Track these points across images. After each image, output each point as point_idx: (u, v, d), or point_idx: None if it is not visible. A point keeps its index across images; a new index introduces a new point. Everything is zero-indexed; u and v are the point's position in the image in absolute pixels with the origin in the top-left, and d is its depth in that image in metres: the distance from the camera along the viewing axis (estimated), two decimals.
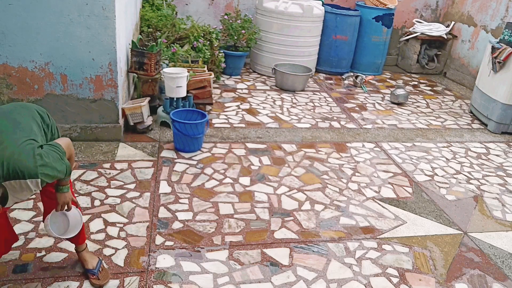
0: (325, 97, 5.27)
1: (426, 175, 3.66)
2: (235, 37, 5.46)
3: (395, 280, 2.46)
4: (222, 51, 5.18)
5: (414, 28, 6.61)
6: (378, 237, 2.81)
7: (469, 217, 3.15)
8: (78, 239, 2.22)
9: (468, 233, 2.96)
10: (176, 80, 3.79)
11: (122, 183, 3.07)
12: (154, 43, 3.91)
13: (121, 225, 2.65)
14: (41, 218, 2.58)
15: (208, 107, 4.50)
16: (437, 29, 6.51)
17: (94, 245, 2.45)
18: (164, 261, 2.40)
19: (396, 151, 4.05)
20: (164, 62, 4.30)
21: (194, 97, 4.21)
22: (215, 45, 4.95)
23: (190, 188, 3.11)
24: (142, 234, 2.59)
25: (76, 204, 2.14)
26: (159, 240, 2.56)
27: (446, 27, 6.62)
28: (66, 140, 1.94)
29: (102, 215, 2.72)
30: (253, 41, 5.52)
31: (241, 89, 5.21)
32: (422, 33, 6.50)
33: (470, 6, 6.33)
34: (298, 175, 3.43)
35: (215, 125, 4.16)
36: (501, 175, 3.82)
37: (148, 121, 3.85)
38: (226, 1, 6.03)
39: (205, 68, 4.50)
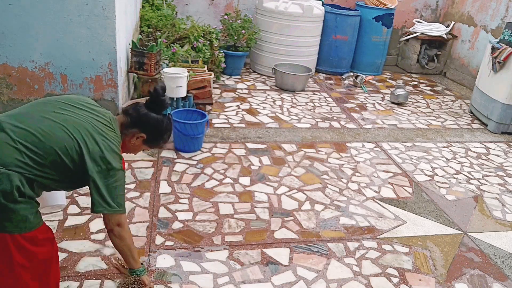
0: (325, 97, 5.27)
1: (426, 175, 3.66)
2: (235, 37, 5.45)
3: (395, 280, 2.46)
4: (222, 51, 5.18)
5: (414, 28, 6.61)
6: (378, 237, 2.81)
7: (469, 217, 3.15)
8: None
9: (468, 233, 2.96)
10: (176, 80, 3.79)
11: None
12: (154, 43, 3.91)
13: None
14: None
15: (208, 107, 4.50)
16: (437, 29, 6.51)
17: (94, 245, 2.45)
18: (164, 261, 2.40)
19: (396, 151, 4.05)
20: (164, 62, 4.30)
21: (194, 97, 4.21)
22: (215, 45, 4.94)
23: (190, 188, 3.11)
24: (142, 234, 2.59)
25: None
26: (159, 240, 2.56)
27: (446, 27, 6.62)
28: None
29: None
30: (253, 41, 5.52)
31: (241, 89, 5.21)
32: (422, 33, 6.50)
33: (470, 6, 6.33)
34: (298, 175, 3.43)
35: (215, 125, 4.16)
36: (501, 175, 3.82)
37: None
38: (226, 1, 6.03)
39: (205, 68, 4.50)
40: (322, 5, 5.88)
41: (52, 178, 1.63)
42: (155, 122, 1.88)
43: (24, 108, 1.71)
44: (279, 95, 5.15)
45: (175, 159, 3.48)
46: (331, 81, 5.93)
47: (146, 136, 1.89)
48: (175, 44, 4.64)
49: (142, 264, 2.03)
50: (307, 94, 5.29)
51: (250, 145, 3.83)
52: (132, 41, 3.88)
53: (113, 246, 1.88)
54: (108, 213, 1.76)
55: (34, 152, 1.55)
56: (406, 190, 3.39)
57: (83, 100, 1.82)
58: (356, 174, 3.55)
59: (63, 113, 1.68)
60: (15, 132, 1.56)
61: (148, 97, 1.92)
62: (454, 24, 6.59)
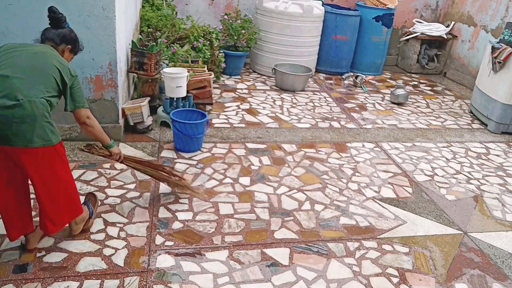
0: (325, 97, 5.27)
1: (426, 175, 3.66)
2: (235, 37, 5.46)
3: (395, 280, 2.46)
4: (222, 51, 5.18)
5: (414, 28, 6.61)
6: (378, 237, 2.81)
7: (469, 217, 3.15)
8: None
9: (468, 233, 2.96)
10: (176, 80, 3.79)
11: (122, 183, 3.07)
12: (154, 43, 3.91)
13: (121, 225, 2.65)
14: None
15: (208, 107, 4.50)
16: (437, 29, 6.51)
17: (94, 245, 2.45)
18: (164, 261, 2.40)
19: (396, 151, 4.05)
20: (164, 62, 4.30)
21: (194, 97, 4.21)
22: (215, 45, 4.95)
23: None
24: (142, 234, 2.59)
25: None
26: (159, 240, 2.56)
27: (446, 27, 6.62)
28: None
29: (102, 215, 2.72)
30: (253, 41, 5.52)
31: (241, 89, 5.21)
32: (422, 33, 6.50)
33: (470, 6, 6.33)
34: (298, 175, 3.43)
35: (215, 125, 4.16)
36: (501, 175, 3.82)
37: (148, 121, 3.85)
38: (226, 1, 6.03)
39: (205, 68, 4.50)
40: (322, 5, 5.88)
41: (55, 95, 2.13)
42: (69, 33, 2.38)
43: (6, 60, 2.08)
44: (279, 95, 5.15)
45: (175, 159, 3.48)
46: (331, 81, 5.94)
47: (71, 46, 2.38)
48: (175, 44, 4.64)
49: (110, 138, 2.55)
50: (307, 94, 5.29)
51: (250, 145, 3.83)
52: (132, 41, 3.88)
53: (87, 134, 2.41)
54: (81, 109, 2.27)
55: (41, 81, 2.07)
56: (406, 190, 3.39)
57: (24, 43, 2.29)
58: (356, 174, 3.55)
59: (31, 51, 2.16)
60: (20, 77, 2.03)
61: (49, 22, 2.33)
62: (454, 24, 6.59)
